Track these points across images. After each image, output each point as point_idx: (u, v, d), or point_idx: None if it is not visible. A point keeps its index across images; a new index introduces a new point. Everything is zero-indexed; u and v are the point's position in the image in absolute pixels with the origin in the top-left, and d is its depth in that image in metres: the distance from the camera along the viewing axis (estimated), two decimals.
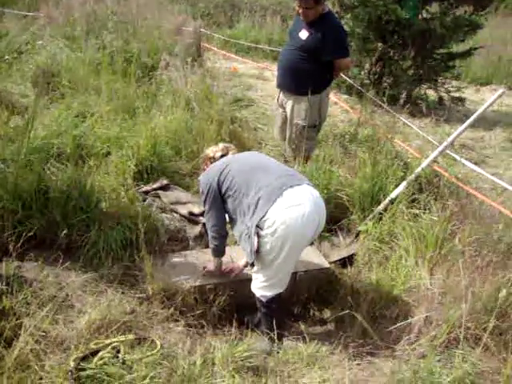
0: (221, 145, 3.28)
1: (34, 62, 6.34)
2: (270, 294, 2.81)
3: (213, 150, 3.24)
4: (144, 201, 3.75)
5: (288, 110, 4.37)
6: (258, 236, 2.64)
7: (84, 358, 2.37)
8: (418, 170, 3.87)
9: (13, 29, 7.84)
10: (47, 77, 5.87)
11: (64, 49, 6.64)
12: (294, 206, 2.61)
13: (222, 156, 3.15)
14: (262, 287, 2.83)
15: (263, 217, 2.60)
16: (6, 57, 6.79)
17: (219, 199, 2.91)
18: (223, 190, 2.87)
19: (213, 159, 3.17)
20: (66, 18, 7.92)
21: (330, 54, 4.08)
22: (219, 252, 3.12)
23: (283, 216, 2.59)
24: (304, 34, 4.10)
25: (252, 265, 2.81)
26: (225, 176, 2.86)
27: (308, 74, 4.11)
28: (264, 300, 2.83)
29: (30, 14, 9.18)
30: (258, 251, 2.68)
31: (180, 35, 7.66)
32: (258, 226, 2.63)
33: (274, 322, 2.80)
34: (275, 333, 2.78)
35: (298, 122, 4.29)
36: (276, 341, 2.80)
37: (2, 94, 5.41)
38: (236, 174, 2.84)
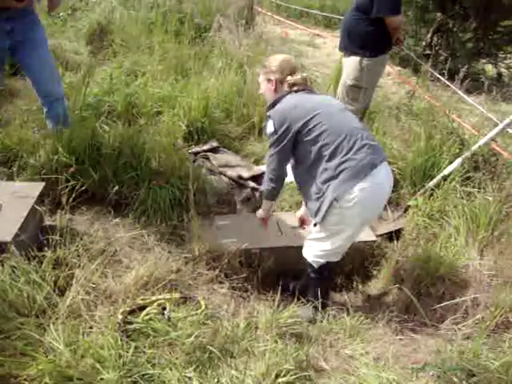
0: (303, 74, 2.76)
1: (88, 20, 6.38)
2: (323, 260, 2.77)
3: (291, 70, 2.70)
4: (194, 162, 3.76)
5: (344, 69, 4.34)
6: (330, 205, 2.53)
7: (131, 312, 2.43)
8: (475, 147, 3.72)
9: None
10: (101, 35, 5.91)
11: (117, 7, 6.64)
12: (376, 185, 2.52)
13: (298, 89, 2.68)
14: (317, 254, 2.76)
15: (346, 191, 2.48)
16: (61, 14, 6.86)
17: (291, 144, 2.60)
18: (303, 139, 2.55)
19: (288, 84, 2.68)
20: None
21: (379, 10, 4.01)
22: (273, 195, 2.86)
23: (365, 195, 2.48)
24: None
25: (315, 225, 2.73)
26: (313, 125, 2.52)
27: (361, 34, 4.12)
28: (316, 266, 2.78)
29: None
30: (323, 218, 2.60)
31: None
32: (335, 198, 2.50)
33: (320, 291, 2.79)
34: (320, 301, 2.78)
35: (346, 80, 4.31)
36: (320, 309, 2.79)
37: (56, 51, 5.48)
38: (326, 129, 2.50)
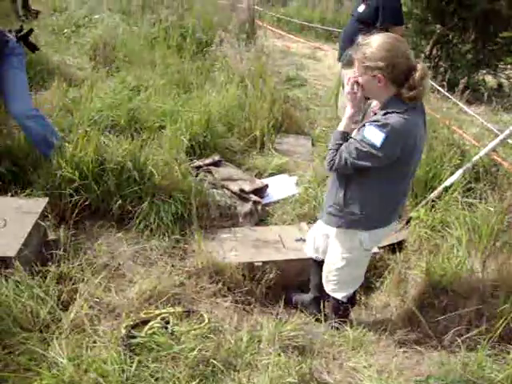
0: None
1: (91, 36, 6.46)
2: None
3: (416, 68, 2.17)
4: (196, 176, 3.79)
5: (345, 80, 4.39)
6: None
7: (134, 327, 2.44)
8: (476, 158, 3.74)
9: (71, 3, 8.00)
10: (104, 50, 5.98)
11: (120, 23, 6.73)
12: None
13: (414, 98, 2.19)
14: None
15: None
16: (65, 30, 6.95)
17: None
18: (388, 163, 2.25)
19: (406, 82, 2.17)
20: None
21: (384, 20, 4.14)
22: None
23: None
24: (361, 8, 4.32)
25: None
26: (409, 152, 2.26)
27: None
28: (345, 300, 2.76)
29: None
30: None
31: (234, 12, 7.61)
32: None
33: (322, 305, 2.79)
34: (322, 315, 2.78)
35: None
36: (323, 323, 2.80)
37: (60, 67, 5.55)
38: (409, 154, 2.27)
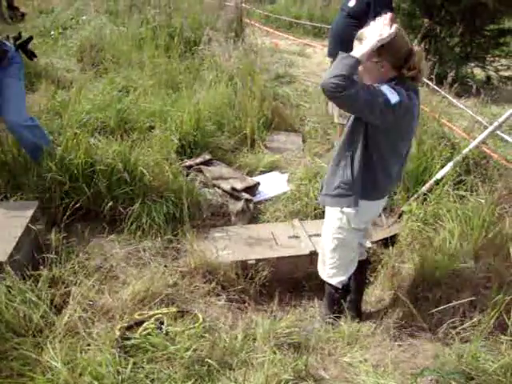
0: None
1: (79, 37, 6.43)
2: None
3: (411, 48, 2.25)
4: (187, 175, 3.78)
5: None
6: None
7: (129, 328, 2.43)
8: (466, 150, 3.75)
9: (58, 5, 7.96)
10: (91, 52, 5.95)
11: (108, 24, 6.70)
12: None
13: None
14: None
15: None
16: (52, 32, 6.91)
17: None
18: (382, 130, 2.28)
19: (405, 65, 2.24)
20: None
21: (374, 16, 4.09)
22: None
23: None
24: (352, 3, 4.24)
25: None
26: (406, 126, 2.33)
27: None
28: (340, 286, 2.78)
29: None
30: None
31: (222, 10, 7.60)
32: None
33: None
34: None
35: None
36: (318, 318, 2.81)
37: (47, 69, 5.52)
38: (406, 129, 2.36)
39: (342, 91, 2.07)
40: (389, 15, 2.20)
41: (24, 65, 3.50)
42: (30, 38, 3.52)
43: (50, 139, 3.53)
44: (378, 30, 2.18)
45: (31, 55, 3.56)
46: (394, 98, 2.15)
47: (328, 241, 2.66)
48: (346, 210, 2.48)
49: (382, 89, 2.18)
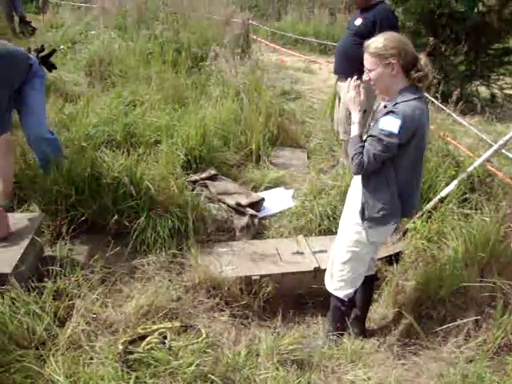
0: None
1: (87, 52, 6.51)
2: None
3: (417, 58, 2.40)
4: (192, 190, 3.79)
5: (341, 93, 4.41)
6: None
7: (132, 342, 2.42)
8: (471, 168, 3.75)
9: (68, 19, 8.08)
10: (100, 66, 6.02)
11: (116, 39, 6.79)
12: None
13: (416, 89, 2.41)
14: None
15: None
16: (61, 46, 7.00)
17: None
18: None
19: (413, 68, 2.38)
20: (119, 8, 8.08)
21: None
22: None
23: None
24: (358, 21, 4.27)
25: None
26: (418, 138, 2.39)
27: (361, 59, 4.17)
28: (347, 299, 2.79)
29: (84, 5, 9.45)
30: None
31: (229, 26, 7.68)
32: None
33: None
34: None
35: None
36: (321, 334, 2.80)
37: (56, 83, 5.58)
38: (419, 140, 2.40)
39: (363, 167, 2.39)
40: (351, 83, 2.57)
41: (45, 77, 3.54)
42: (54, 51, 3.58)
43: (64, 153, 3.55)
44: (355, 102, 2.54)
45: (52, 67, 3.61)
46: (395, 125, 2.30)
47: (341, 253, 2.68)
48: (367, 225, 2.54)
49: (380, 127, 2.34)
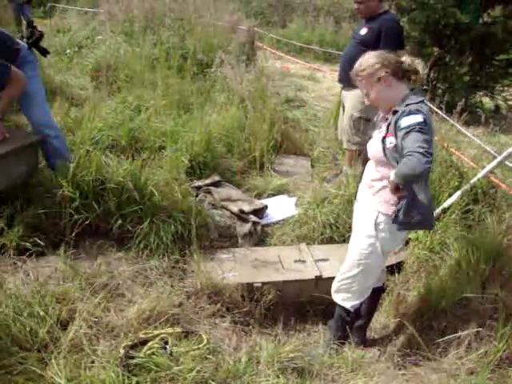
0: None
1: (94, 57, 6.55)
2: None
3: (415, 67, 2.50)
4: (196, 196, 3.80)
5: (346, 102, 4.44)
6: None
7: (133, 347, 2.43)
8: (474, 180, 3.76)
9: (74, 24, 8.14)
10: (106, 71, 6.05)
11: (122, 44, 6.83)
12: None
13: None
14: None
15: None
16: (68, 51, 7.05)
17: None
18: None
19: (404, 72, 2.48)
20: (125, 14, 8.14)
21: (385, 45, 4.13)
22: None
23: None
24: (364, 31, 4.29)
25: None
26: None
27: None
28: (352, 310, 2.79)
29: (91, 10, 9.51)
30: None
31: (234, 33, 7.72)
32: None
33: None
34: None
35: (353, 113, 4.35)
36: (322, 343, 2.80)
37: (62, 87, 5.62)
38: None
39: (430, 161, 2.20)
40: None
41: (38, 61, 3.57)
42: (42, 35, 3.58)
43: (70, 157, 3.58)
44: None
45: (44, 52, 3.63)
46: (418, 118, 2.27)
47: (352, 265, 2.68)
48: (381, 235, 2.53)
49: (406, 124, 2.27)
